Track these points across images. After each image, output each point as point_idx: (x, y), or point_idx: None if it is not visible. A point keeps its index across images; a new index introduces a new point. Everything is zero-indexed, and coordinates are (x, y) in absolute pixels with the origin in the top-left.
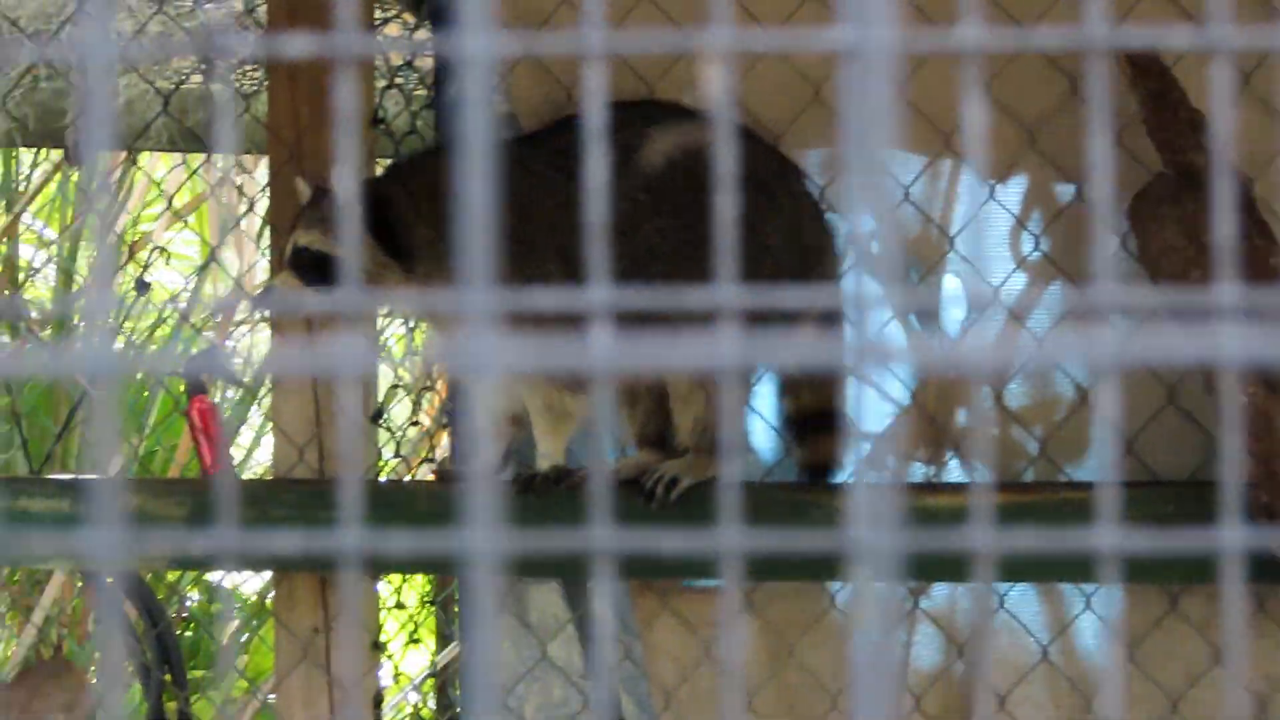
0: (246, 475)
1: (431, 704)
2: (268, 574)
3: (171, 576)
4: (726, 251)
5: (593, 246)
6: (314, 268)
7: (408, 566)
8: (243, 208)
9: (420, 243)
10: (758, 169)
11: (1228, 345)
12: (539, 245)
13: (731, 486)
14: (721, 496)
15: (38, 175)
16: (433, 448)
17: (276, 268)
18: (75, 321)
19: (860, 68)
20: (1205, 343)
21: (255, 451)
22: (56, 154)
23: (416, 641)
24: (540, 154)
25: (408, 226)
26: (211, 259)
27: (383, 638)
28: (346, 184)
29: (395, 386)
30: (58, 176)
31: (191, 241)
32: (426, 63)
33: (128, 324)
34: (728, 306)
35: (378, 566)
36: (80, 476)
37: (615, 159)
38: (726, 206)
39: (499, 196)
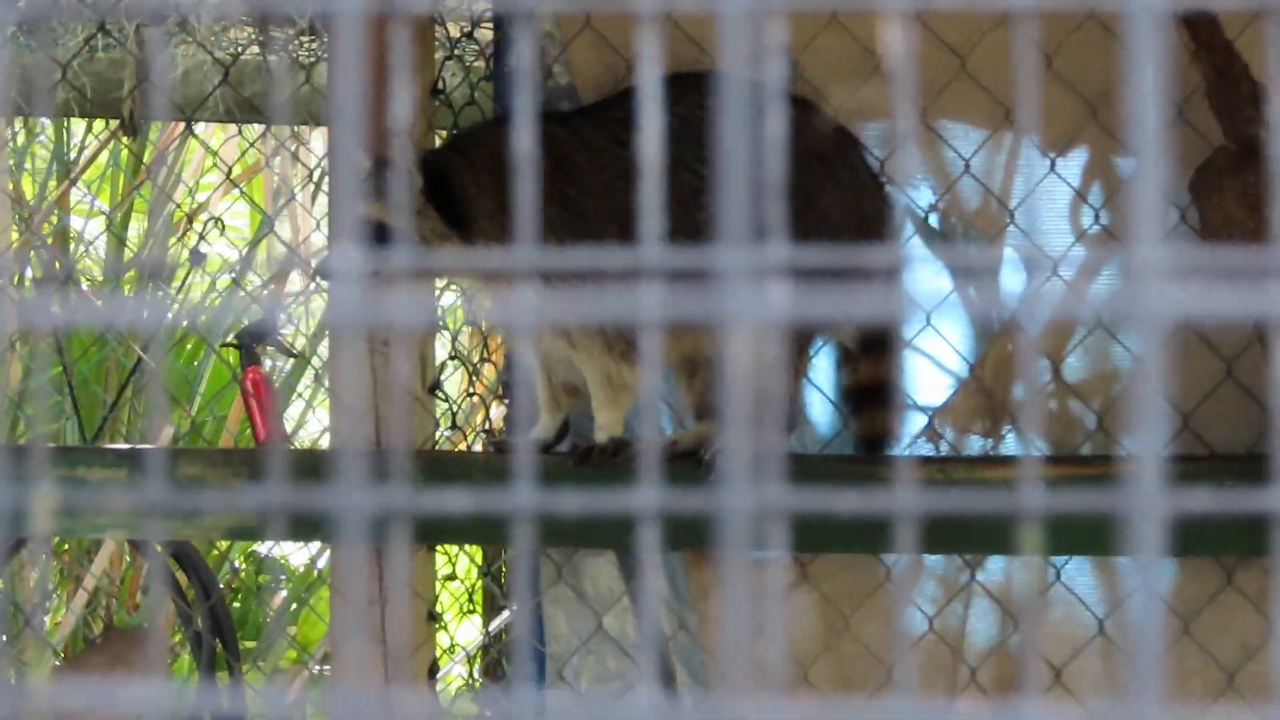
0: (299, 444)
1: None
2: (315, 545)
3: (222, 545)
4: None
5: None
6: (376, 239)
7: (462, 535)
8: (298, 179)
9: (480, 213)
10: (816, 140)
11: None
12: (595, 215)
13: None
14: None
15: (90, 145)
16: (488, 418)
17: (337, 239)
18: (127, 292)
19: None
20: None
21: (307, 422)
22: (110, 124)
23: (470, 612)
24: (599, 125)
25: (468, 198)
26: (267, 228)
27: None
28: (406, 155)
29: (452, 358)
30: (111, 146)
31: (243, 214)
32: (486, 34)
33: (182, 294)
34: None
35: (432, 535)
36: (138, 446)
37: (675, 129)
38: (776, 174)
39: (556, 167)
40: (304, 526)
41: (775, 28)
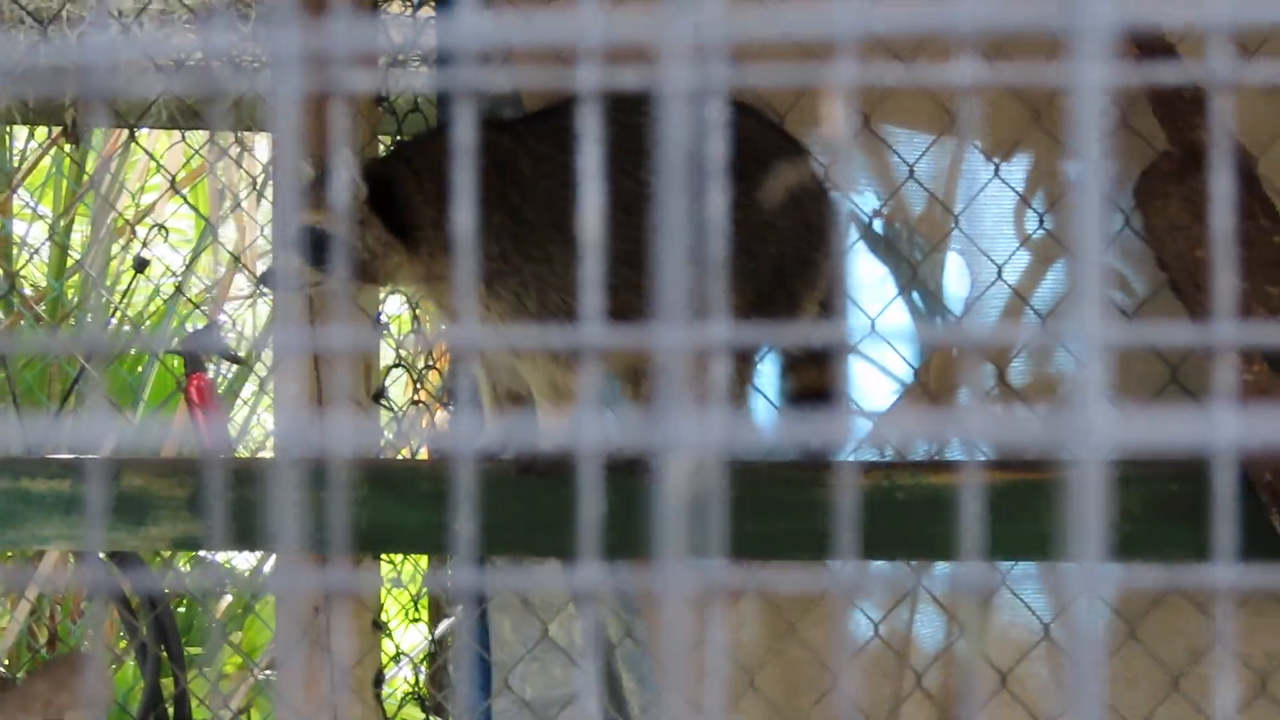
0: (243, 453)
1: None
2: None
3: (165, 552)
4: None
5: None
6: (318, 248)
7: (407, 545)
8: (243, 185)
9: (424, 222)
10: (760, 147)
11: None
12: (539, 222)
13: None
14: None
15: (33, 151)
16: (433, 426)
17: (279, 248)
18: (70, 298)
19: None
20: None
21: (251, 428)
22: (52, 130)
23: (416, 619)
24: (542, 133)
25: (412, 206)
26: (211, 234)
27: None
28: (349, 163)
29: (396, 365)
30: (53, 152)
31: (188, 215)
32: (430, 41)
33: (125, 300)
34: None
35: (376, 545)
36: (81, 456)
37: (620, 141)
38: (718, 186)
39: (500, 174)
40: (247, 536)
41: (716, 61)
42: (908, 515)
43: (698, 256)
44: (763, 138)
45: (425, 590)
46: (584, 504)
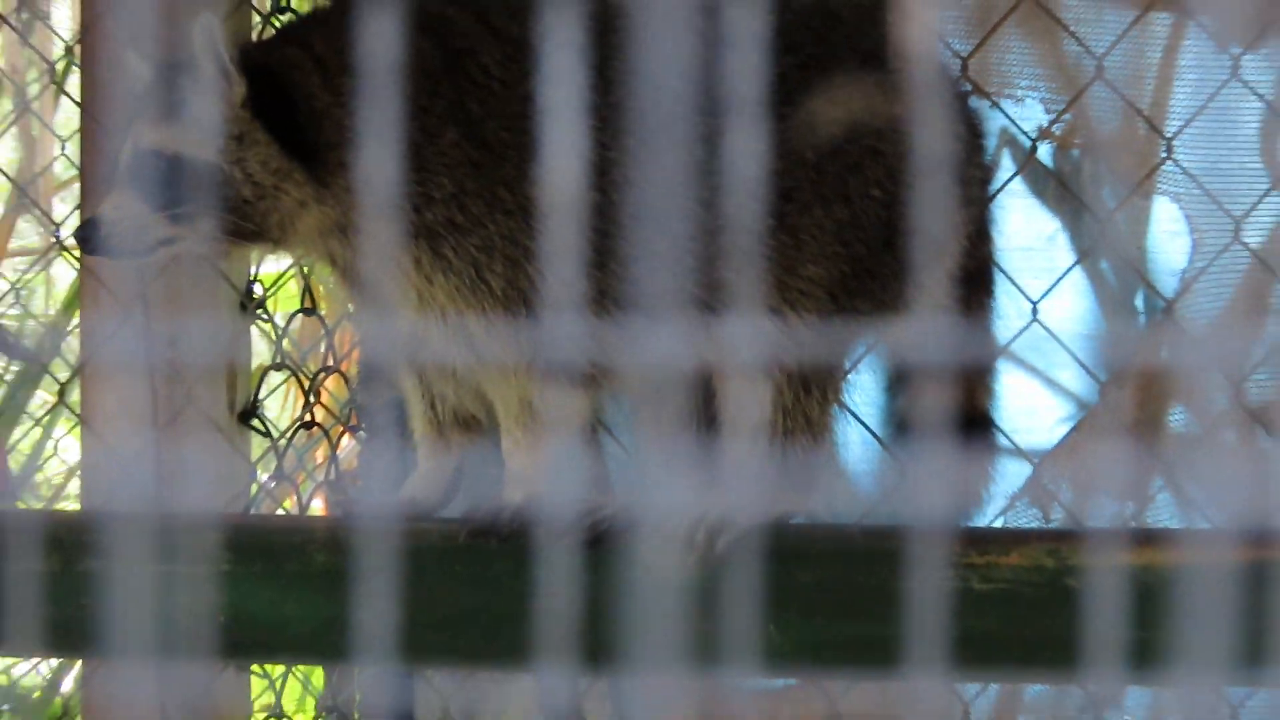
0: (33, 502)
1: None
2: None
3: None
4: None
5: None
6: (168, 183)
7: (292, 651)
8: (32, 75)
9: (336, 138)
10: (855, 39)
11: None
12: (512, 152)
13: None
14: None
15: None
16: (333, 460)
17: (103, 185)
18: None
19: None
20: None
21: (44, 462)
22: None
23: None
24: (515, 9)
25: (318, 114)
26: None
27: None
28: (216, 48)
29: (275, 367)
30: None
31: None
32: None
33: None
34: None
35: (246, 650)
36: None
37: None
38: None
39: (454, 69)
40: (41, 634)
41: None
42: (1082, 613)
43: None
44: (858, 15)
45: None
46: (561, 584)
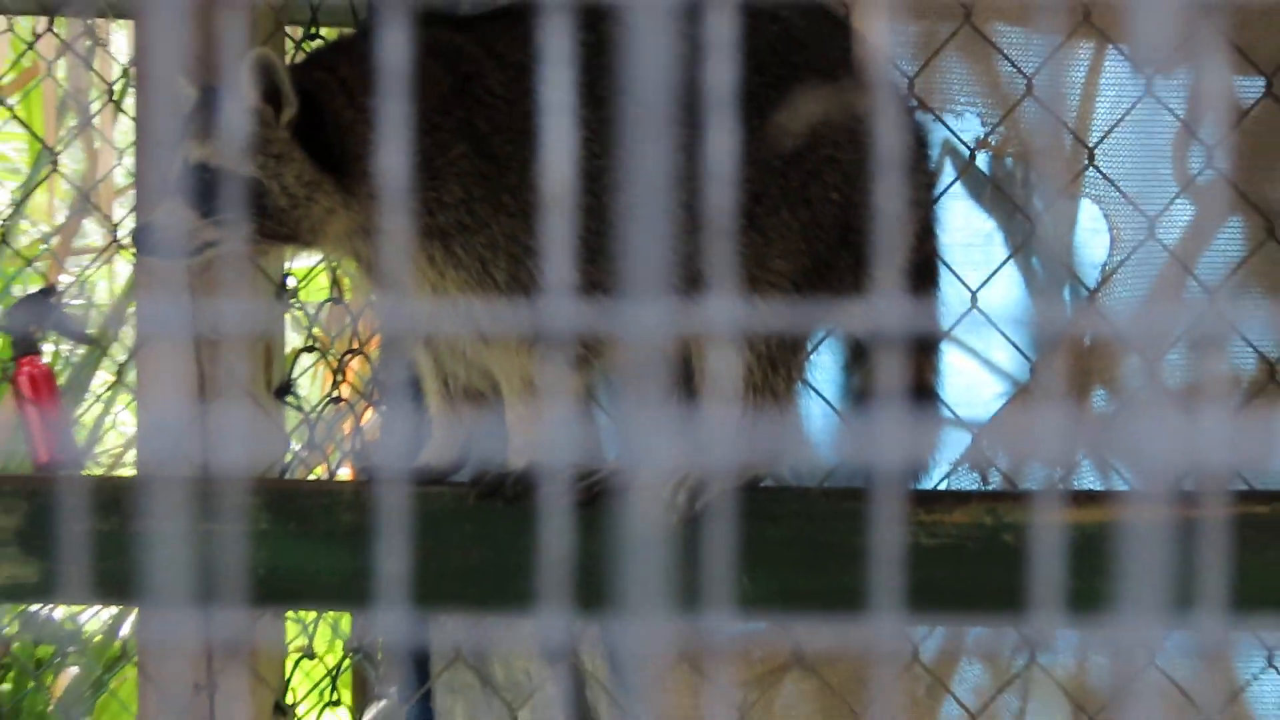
0: (96, 468)
1: None
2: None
3: None
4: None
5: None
6: (210, 191)
7: (322, 598)
8: (95, 94)
9: (361, 151)
10: (816, 54)
11: None
12: (515, 162)
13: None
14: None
15: None
16: (358, 433)
17: (157, 191)
18: None
19: None
20: None
21: (105, 433)
22: None
23: (334, 703)
24: (516, 36)
25: (344, 130)
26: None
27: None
28: (276, 75)
29: (308, 349)
30: None
31: (18, 135)
32: None
33: None
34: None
35: (281, 596)
36: None
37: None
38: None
39: (462, 90)
40: (101, 583)
41: None
42: (1018, 564)
43: (717, 207)
44: (819, 40)
45: (347, 662)
46: (558, 539)
